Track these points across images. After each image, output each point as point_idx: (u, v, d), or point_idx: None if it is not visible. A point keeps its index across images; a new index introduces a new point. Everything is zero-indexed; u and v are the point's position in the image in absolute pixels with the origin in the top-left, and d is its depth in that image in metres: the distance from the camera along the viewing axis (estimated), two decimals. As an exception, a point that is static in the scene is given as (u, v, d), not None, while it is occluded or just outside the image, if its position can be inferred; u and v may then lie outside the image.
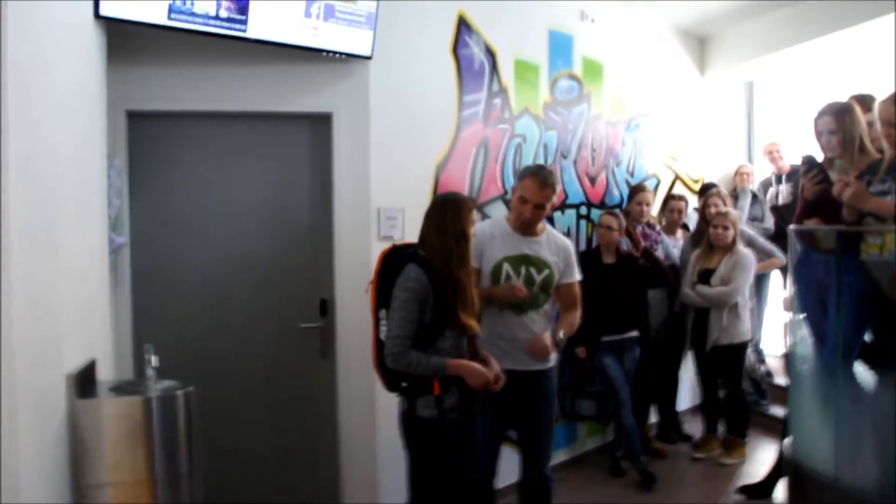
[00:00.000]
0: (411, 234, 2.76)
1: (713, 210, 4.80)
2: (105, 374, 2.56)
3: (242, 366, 3.50)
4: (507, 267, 3.09)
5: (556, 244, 3.18)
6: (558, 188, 3.12)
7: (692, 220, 5.32)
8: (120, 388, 2.21)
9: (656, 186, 5.43)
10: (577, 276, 3.22)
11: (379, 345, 2.67)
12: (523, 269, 3.10)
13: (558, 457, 4.66)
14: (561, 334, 3.10)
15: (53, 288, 1.92)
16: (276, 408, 3.56)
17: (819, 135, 3.10)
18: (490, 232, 3.13)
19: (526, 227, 3.12)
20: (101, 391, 2.19)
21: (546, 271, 3.12)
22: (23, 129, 1.66)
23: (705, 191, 5.22)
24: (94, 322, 2.51)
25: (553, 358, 3.15)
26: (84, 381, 2.11)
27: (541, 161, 4.45)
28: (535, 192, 3.03)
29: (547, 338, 3.05)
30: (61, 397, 1.97)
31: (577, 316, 3.19)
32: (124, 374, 3.13)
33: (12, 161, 1.56)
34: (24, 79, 1.67)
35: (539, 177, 3.04)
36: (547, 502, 3.21)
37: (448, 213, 2.64)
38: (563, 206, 4.65)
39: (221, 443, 3.38)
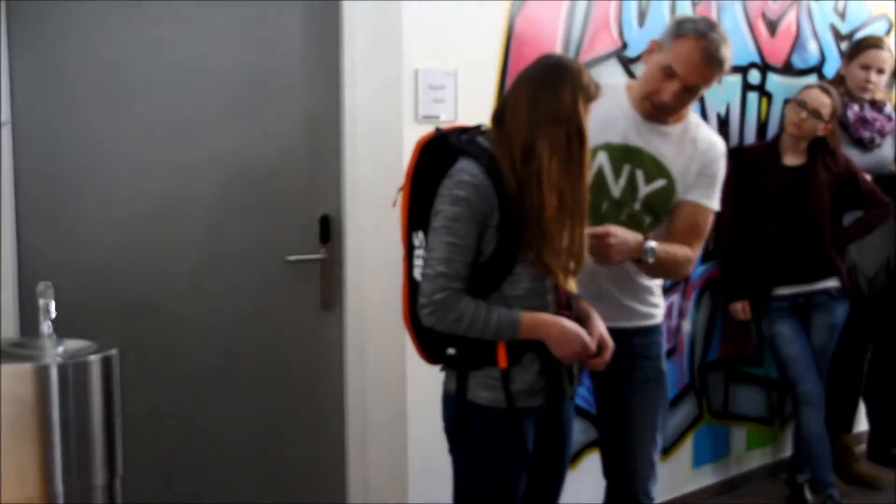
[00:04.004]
0: (467, 114, 2.73)
1: None
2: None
3: (198, 320, 3.51)
4: (602, 158, 3.10)
5: (696, 144, 3.18)
6: (728, 64, 3.05)
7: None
8: (-2, 352, 2.26)
9: (886, 34, 5.26)
10: (713, 203, 3.20)
11: (412, 288, 2.69)
12: (626, 170, 3.12)
13: (703, 477, 4.68)
14: (653, 244, 3.00)
15: None
16: (252, 385, 3.58)
17: None
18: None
19: (660, 112, 3.13)
20: (-33, 356, 2.23)
21: (661, 182, 3.14)
22: None
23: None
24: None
25: (657, 312, 3.22)
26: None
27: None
28: (692, 67, 3.01)
29: (628, 239, 2.96)
30: None
31: (687, 253, 3.13)
32: (4, 331, 3.15)
33: None
34: None
35: (705, 43, 3.00)
36: None
37: (546, 86, 2.58)
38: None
39: (163, 438, 3.44)
